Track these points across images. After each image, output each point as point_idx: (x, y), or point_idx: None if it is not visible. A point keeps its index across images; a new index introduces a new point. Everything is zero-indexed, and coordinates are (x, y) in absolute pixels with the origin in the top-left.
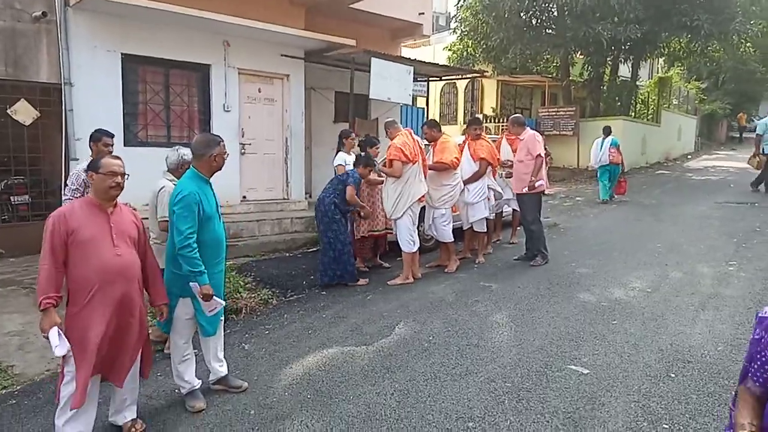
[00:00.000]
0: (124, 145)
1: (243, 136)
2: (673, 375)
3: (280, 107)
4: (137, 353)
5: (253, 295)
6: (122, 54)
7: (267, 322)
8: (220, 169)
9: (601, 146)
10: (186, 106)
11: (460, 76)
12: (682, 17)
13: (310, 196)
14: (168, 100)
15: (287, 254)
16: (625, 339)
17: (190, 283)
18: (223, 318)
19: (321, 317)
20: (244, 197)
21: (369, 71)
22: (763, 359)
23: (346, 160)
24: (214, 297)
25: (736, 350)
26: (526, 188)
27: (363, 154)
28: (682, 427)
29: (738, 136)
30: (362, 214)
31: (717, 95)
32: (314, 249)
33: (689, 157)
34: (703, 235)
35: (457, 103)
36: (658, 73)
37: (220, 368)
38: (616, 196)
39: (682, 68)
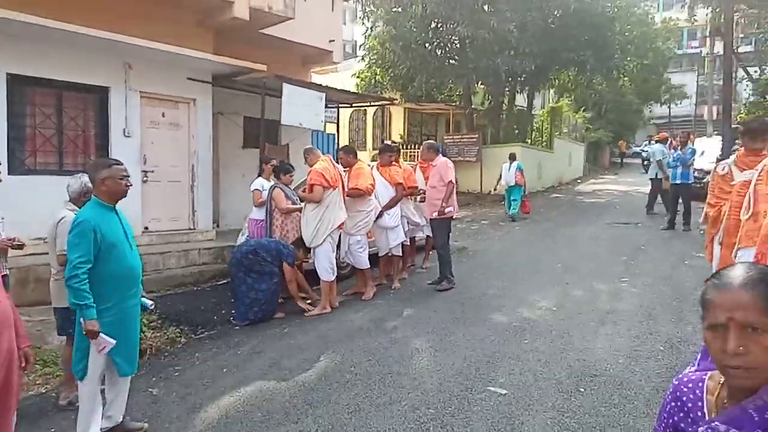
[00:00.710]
0: (9, 173)
1: (145, 163)
2: (582, 389)
3: (186, 132)
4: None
5: (158, 335)
6: (7, 74)
7: (176, 362)
8: (122, 194)
9: (509, 170)
10: (81, 130)
11: (369, 103)
12: (570, 53)
13: (218, 226)
14: (61, 125)
15: (195, 288)
16: (537, 357)
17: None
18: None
19: (236, 354)
20: (147, 228)
21: (280, 96)
22: (663, 425)
23: (264, 185)
24: (102, 335)
25: (634, 362)
26: (436, 213)
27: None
28: None
29: (620, 161)
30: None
31: (600, 124)
32: (225, 281)
33: (579, 181)
34: (596, 254)
35: (366, 129)
36: (549, 103)
37: (119, 416)
38: (521, 215)
39: (570, 99)
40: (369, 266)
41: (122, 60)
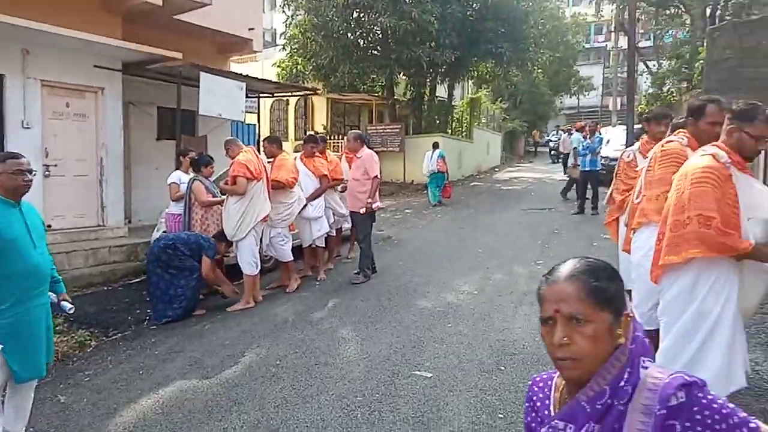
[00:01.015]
0: None
1: (47, 157)
2: (503, 368)
3: (93, 124)
4: None
5: (64, 339)
6: None
7: (86, 367)
8: (19, 189)
9: (431, 158)
10: None
11: (291, 93)
12: (488, 45)
13: (131, 222)
14: None
15: (106, 288)
16: (460, 340)
17: None
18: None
19: (153, 354)
20: (49, 226)
21: (197, 86)
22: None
23: (181, 178)
24: None
25: None
26: (363, 209)
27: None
28: (514, 415)
29: (533, 150)
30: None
31: (516, 114)
32: (139, 280)
33: (497, 169)
34: (515, 238)
35: (287, 119)
36: (469, 94)
37: (20, 429)
38: (443, 200)
39: (488, 90)
40: (292, 258)
41: (20, 46)
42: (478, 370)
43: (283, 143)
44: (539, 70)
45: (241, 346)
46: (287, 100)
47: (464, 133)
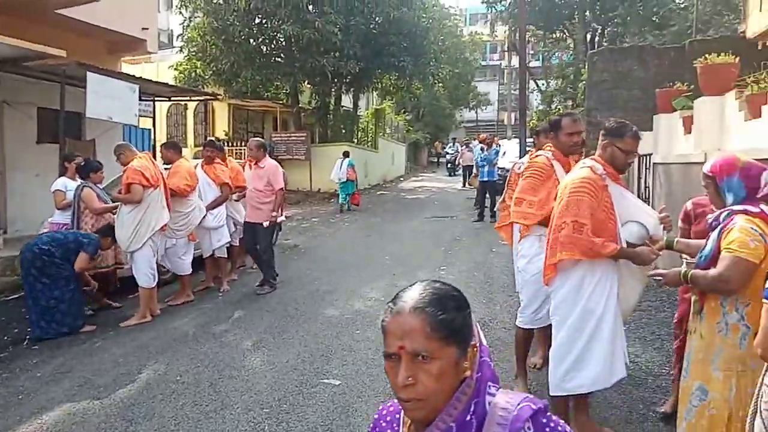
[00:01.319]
0: None
1: None
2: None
3: None
4: None
5: None
6: None
7: None
8: None
9: (341, 166)
10: None
11: (189, 98)
12: (391, 58)
13: (6, 233)
14: None
15: None
16: (368, 346)
17: None
18: None
19: (35, 377)
20: None
21: (84, 86)
22: None
23: (67, 185)
24: None
25: None
26: (267, 222)
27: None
28: None
29: (436, 160)
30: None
31: (419, 126)
32: (16, 296)
33: (402, 179)
34: (420, 245)
35: (186, 125)
36: (374, 105)
37: None
38: (352, 206)
39: (392, 102)
40: (189, 272)
41: None
42: (385, 376)
43: (183, 149)
44: (440, 84)
45: (137, 363)
46: (185, 104)
47: (370, 143)
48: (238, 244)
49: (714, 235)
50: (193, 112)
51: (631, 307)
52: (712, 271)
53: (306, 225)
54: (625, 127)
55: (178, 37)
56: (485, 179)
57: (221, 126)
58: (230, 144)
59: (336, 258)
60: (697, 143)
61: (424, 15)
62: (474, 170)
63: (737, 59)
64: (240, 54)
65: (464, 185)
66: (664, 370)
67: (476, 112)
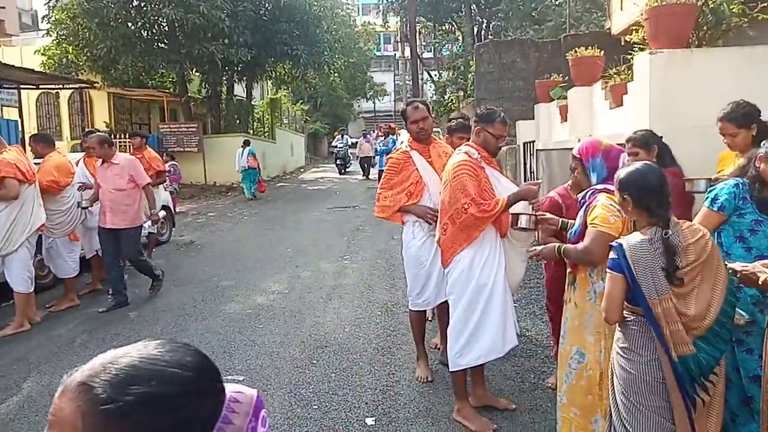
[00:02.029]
0: None
1: None
2: (315, 361)
3: None
4: None
5: None
6: None
7: None
8: None
9: (242, 155)
10: None
11: (62, 86)
12: (284, 46)
13: None
14: None
15: None
16: (272, 339)
17: None
18: None
19: None
20: None
21: None
22: None
23: None
24: None
25: (358, 329)
26: (149, 222)
27: None
28: (327, 404)
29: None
30: None
31: (317, 116)
32: None
33: (302, 170)
34: (322, 236)
35: (60, 116)
36: (269, 94)
37: None
38: (258, 194)
39: (288, 91)
40: (74, 275)
41: None
42: (291, 367)
43: (57, 142)
44: (335, 74)
45: (16, 376)
46: (57, 93)
47: (266, 134)
48: None
49: (581, 212)
50: (67, 102)
51: (517, 282)
52: (579, 245)
53: (202, 220)
54: (494, 113)
55: (43, 18)
56: (382, 168)
57: (101, 117)
58: (113, 136)
59: (235, 253)
60: (571, 130)
61: (316, 3)
62: (373, 161)
63: (602, 53)
64: (117, 39)
65: (364, 176)
66: (551, 342)
67: (374, 103)
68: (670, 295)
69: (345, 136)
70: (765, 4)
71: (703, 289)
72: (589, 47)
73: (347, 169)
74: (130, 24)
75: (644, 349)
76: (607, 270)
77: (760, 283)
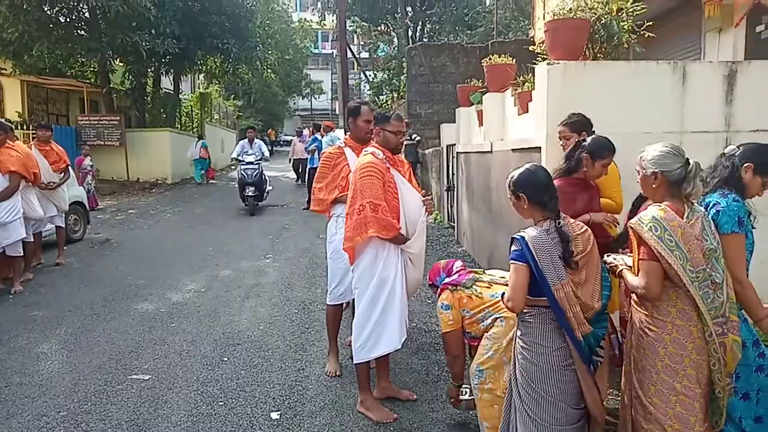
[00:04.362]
0: None
1: None
2: (226, 359)
3: None
4: None
5: None
6: None
7: None
8: None
9: (195, 146)
10: None
11: None
12: (214, 39)
13: None
14: None
15: None
16: (183, 338)
17: None
18: None
19: None
20: None
21: None
22: None
23: None
24: None
25: (273, 326)
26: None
27: None
28: (234, 400)
29: (270, 149)
30: None
31: (251, 113)
32: None
33: (233, 167)
34: (246, 235)
35: None
36: (199, 88)
37: None
38: (207, 179)
39: (220, 86)
40: None
41: None
42: (201, 365)
43: None
44: (269, 70)
45: None
46: None
47: (195, 129)
48: (32, 240)
49: None
50: None
51: (418, 280)
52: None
53: (121, 217)
54: (388, 113)
55: None
56: (315, 166)
57: (13, 106)
58: (26, 127)
59: (153, 251)
60: (486, 134)
61: None
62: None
63: (514, 60)
64: (31, 23)
65: (298, 180)
66: None
67: (310, 101)
68: (569, 279)
69: (258, 144)
70: (651, 23)
71: (589, 279)
72: (512, 55)
73: (262, 202)
74: (45, 8)
75: (548, 340)
76: (511, 262)
77: (616, 273)
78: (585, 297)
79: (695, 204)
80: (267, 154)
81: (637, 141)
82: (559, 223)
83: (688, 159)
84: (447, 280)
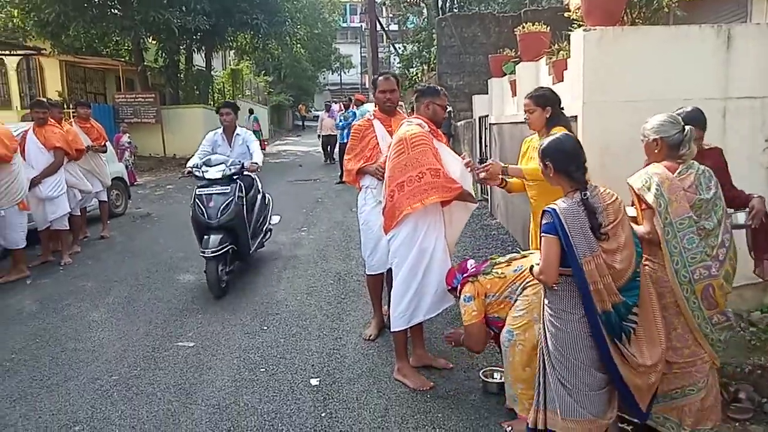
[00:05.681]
0: None
1: None
2: (265, 327)
3: None
4: None
5: None
6: None
7: None
8: None
9: (248, 120)
10: None
11: (9, 52)
12: (243, 15)
13: None
14: None
15: None
16: (224, 307)
17: None
18: None
19: None
20: None
21: None
22: None
23: None
24: None
25: (310, 296)
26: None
27: None
28: (274, 367)
29: (301, 124)
30: None
31: (281, 88)
32: None
33: (265, 143)
34: (282, 208)
35: (8, 84)
36: (230, 65)
37: None
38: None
39: (251, 62)
40: (23, 245)
41: None
42: (242, 333)
43: (8, 112)
44: (298, 45)
45: None
46: (3, 60)
47: None
48: (79, 214)
49: None
50: (15, 70)
51: (456, 237)
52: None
53: (160, 192)
54: (437, 87)
55: None
56: (345, 141)
57: (53, 86)
58: (66, 106)
59: (191, 225)
60: (520, 105)
61: None
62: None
63: (549, 28)
64: (67, 3)
65: (326, 160)
66: None
67: (340, 75)
68: (601, 251)
69: (244, 138)
70: None
71: (628, 244)
72: (546, 23)
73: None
74: None
75: (574, 308)
76: (542, 234)
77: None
78: (624, 263)
79: (694, 163)
80: (260, 157)
81: (677, 108)
82: (585, 194)
83: (684, 125)
84: (465, 275)
